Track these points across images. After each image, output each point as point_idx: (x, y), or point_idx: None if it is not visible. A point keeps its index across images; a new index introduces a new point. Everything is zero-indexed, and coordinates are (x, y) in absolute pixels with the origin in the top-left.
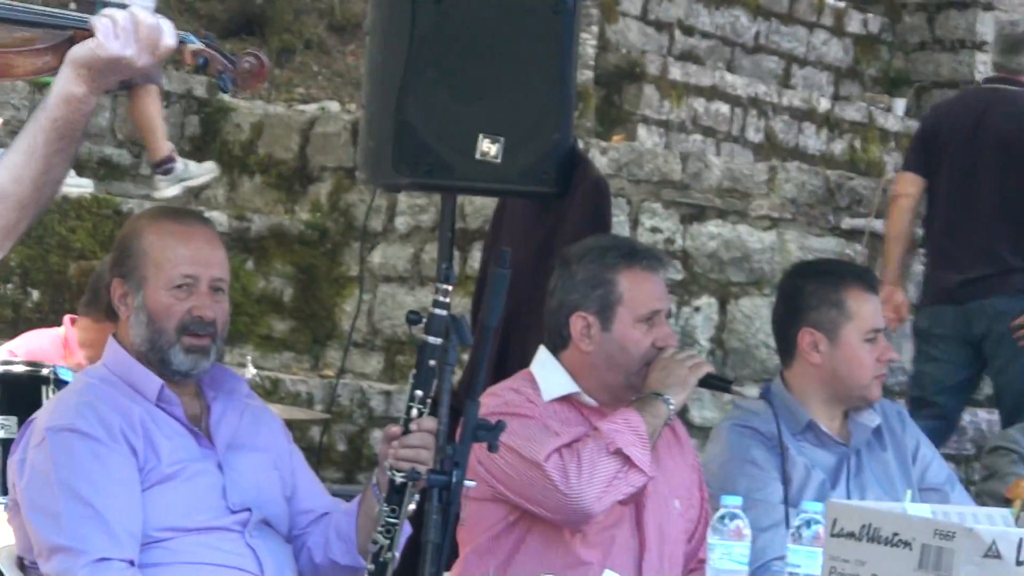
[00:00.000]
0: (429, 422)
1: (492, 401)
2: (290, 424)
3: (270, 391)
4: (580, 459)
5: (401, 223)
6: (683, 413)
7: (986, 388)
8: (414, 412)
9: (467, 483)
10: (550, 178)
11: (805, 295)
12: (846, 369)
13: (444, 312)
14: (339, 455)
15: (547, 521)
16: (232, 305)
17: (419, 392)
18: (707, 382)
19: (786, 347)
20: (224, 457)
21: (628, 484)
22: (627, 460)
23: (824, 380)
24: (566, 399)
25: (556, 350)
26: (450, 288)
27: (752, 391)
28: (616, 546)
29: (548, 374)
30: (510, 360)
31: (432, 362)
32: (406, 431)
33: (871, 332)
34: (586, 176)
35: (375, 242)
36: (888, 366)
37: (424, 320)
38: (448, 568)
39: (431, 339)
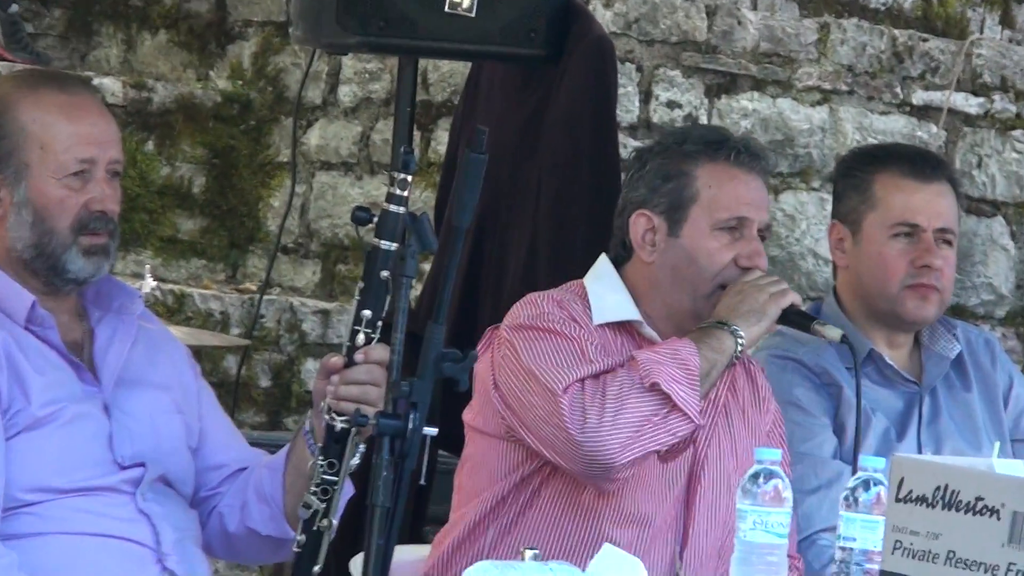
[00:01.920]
0: (379, 351)
1: (525, 311)
2: (198, 353)
3: (173, 309)
4: (605, 393)
5: (346, 94)
6: None
7: None
8: (360, 338)
9: (427, 430)
10: (538, 37)
11: (838, 182)
12: (868, 272)
13: (400, 209)
14: (262, 393)
15: (566, 476)
16: (127, 198)
17: (367, 312)
18: (787, 316)
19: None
20: (112, 396)
21: (666, 431)
22: (666, 399)
23: (854, 288)
24: (622, 327)
25: (618, 263)
26: (409, 178)
27: (835, 332)
28: (652, 530)
29: (604, 291)
30: (485, 271)
31: (384, 273)
32: (349, 363)
33: (901, 226)
34: (584, 35)
35: (312, 118)
36: (933, 275)
37: (374, 219)
38: (410, 537)
39: (383, 244)
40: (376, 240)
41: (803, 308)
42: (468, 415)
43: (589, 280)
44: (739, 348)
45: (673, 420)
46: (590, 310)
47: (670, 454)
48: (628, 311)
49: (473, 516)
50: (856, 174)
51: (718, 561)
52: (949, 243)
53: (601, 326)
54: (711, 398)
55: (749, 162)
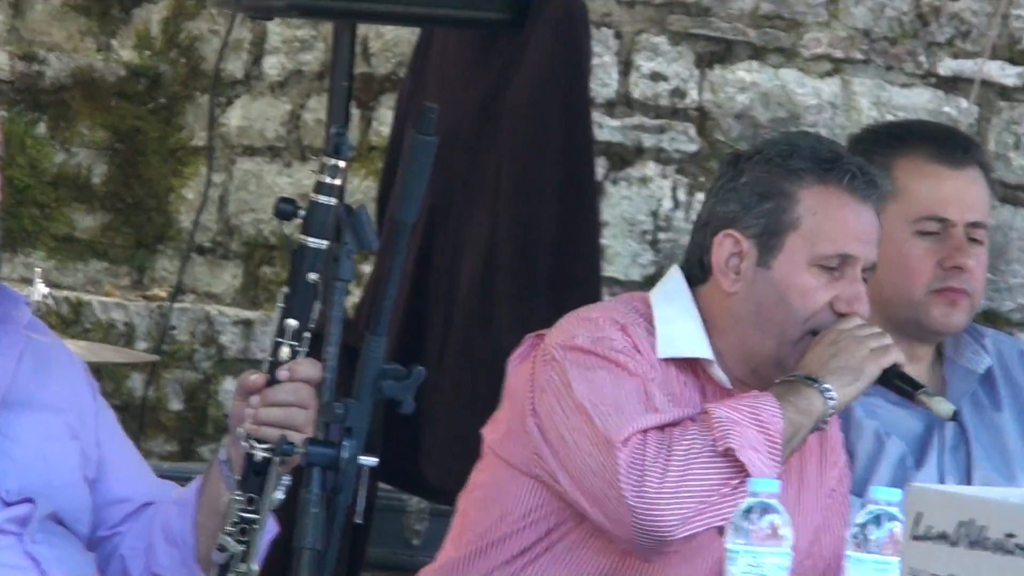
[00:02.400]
0: (307, 368)
1: (583, 330)
2: (98, 370)
3: (69, 320)
4: (671, 452)
5: (272, 67)
6: None
7: None
8: (284, 352)
9: (365, 460)
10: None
11: None
12: (886, 273)
13: (332, 200)
14: (172, 417)
15: (594, 531)
16: (14, 190)
17: (292, 322)
18: (888, 378)
19: None
20: None
21: (735, 505)
22: (740, 469)
23: (869, 292)
24: (688, 362)
25: (691, 282)
26: (342, 164)
27: (946, 408)
28: None
29: (673, 315)
30: (435, 275)
31: (313, 276)
32: (272, 381)
33: (928, 220)
34: None
35: (232, 95)
36: (964, 278)
37: (301, 212)
38: None
39: (311, 241)
40: (303, 237)
41: (904, 369)
42: (490, 433)
43: (657, 298)
44: (829, 411)
45: (743, 493)
46: (654, 337)
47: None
48: (700, 348)
49: (469, 551)
50: (872, 158)
51: None
52: (980, 240)
53: (666, 360)
54: None
55: (864, 189)
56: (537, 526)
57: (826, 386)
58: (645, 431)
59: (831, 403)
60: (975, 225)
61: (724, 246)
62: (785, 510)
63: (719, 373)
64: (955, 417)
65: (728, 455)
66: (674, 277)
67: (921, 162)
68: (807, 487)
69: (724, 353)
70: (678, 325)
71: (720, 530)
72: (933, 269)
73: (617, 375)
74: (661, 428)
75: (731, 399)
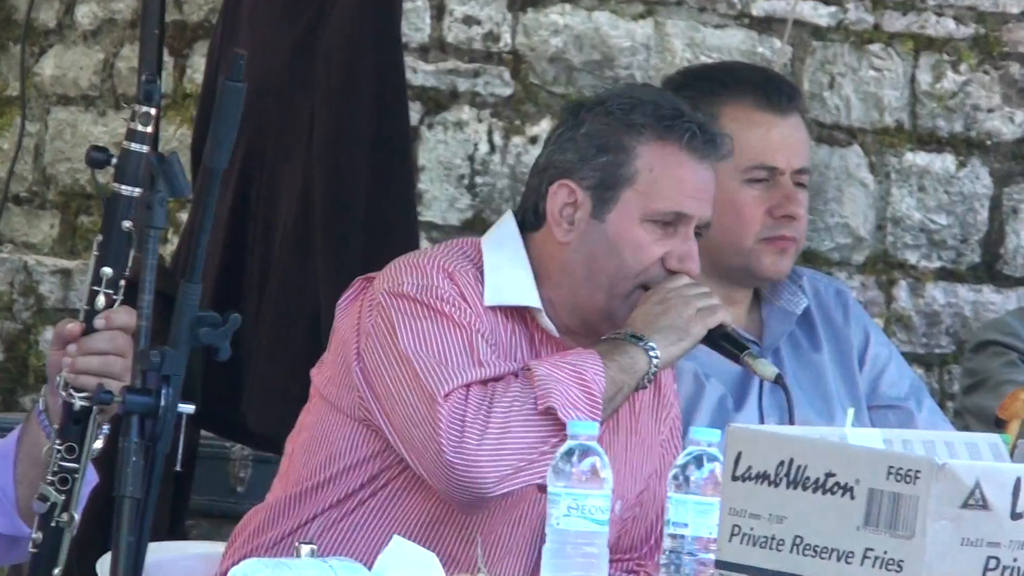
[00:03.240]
0: (123, 316)
1: (410, 277)
2: None
3: None
4: (491, 409)
5: (85, 15)
6: None
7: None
8: (100, 301)
9: (183, 407)
10: None
11: None
12: (718, 220)
13: (144, 148)
14: None
15: (419, 480)
16: None
17: (107, 270)
18: (713, 338)
19: None
20: None
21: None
22: (560, 428)
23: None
24: (516, 310)
25: (524, 228)
26: (152, 112)
27: (769, 370)
28: (502, 548)
29: (502, 262)
30: (252, 222)
31: (127, 224)
32: (89, 330)
33: (758, 169)
34: None
35: (45, 45)
36: (794, 227)
37: (113, 160)
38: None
39: (124, 189)
40: (116, 185)
41: (731, 330)
42: (317, 375)
43: (488, 244)
44: (652, 370)
45: None
46: (482, 285)
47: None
48: (528, 296)
49: (296, 491)
50: (697, 104)
51: None
52: (804, 185)
53: (493, 307)
54: None
55: (703, 148)
56: (363, 470)
57: (651, 344)
58: (468, 386)
59: (655, 361)
60: (800, 171)
61: (559, 196)
62: (616, 457)
63: (547, 322)
64: (779, 380)
65: (549, 413)
66: (507, 222)
67: (750, 110)
68: (640, 436)
69: (554, 303)
70: (507, 273)
71: (541, 487)
72: (763, 217)
73: (443, 326)
74: (484, 383)
75: (555, 356)
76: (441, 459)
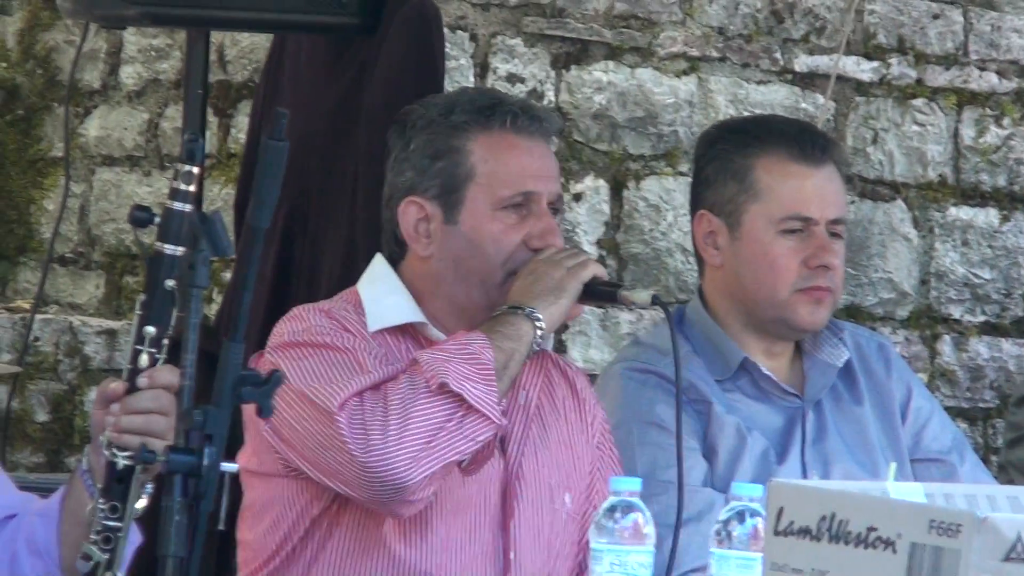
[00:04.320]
0: (166, 374)
1: (289, 326)
2: None
3: None
4: (387, 404)
5: (129, 76)
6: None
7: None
8: (143, 359)
9: (226, 467)
10: (350, 4)
11: (705, 162)
12: (751, 274)
13: (187, 207)
14: (38, 428)
15: (361, 509)
16: None
17: (150, 329)
18: (591, 290)
19: (694, 244)
20: None
21: (464, 437)
22: (459, 401)
23: (731, 291)
24: (405, 331)
25: (395, 262)
26: (195, 170)
27: (643, 295)
28: (465, 559)
29: (380, 295)
30: (296, 280)
31: (170, 283)
32: (132, 388)
33: (792, 220)
34: (405, 0)
35: (90, 105)
36: (829, 277)
37: (157, 219)
38: None
39: (167, 248)
40: (160, 244)
41: (608, 278)
42: (243, 459)
43: (362, 285)
44: (539, 333)
45: (470, 424)
46: (365, 317)
47: (473, 465)
48: (408, 313)
49: (267, 568)
50: (731, 157)
51: None
52: (840, 235)
53: (380, 332)
54: (519, 402)
55: (529, 126)
56: (306, 516)
57: (530, 309)
58: (360, 393)
59: (539, 323)
60: (835, 222)
61: (409, 214)
62: (553, 449)
63: (435, 332)
64: (656, 300)
65: (444, 390)
66: (376, 263)
67: (783, 161)
68: (571, 428)
69: (438, 316)
70: (385, 300)
71: (461, 468)
72: (798, 268)
73: (324, 354)
74: (375, 387)
75: (438, 343)
76: (355, 465)
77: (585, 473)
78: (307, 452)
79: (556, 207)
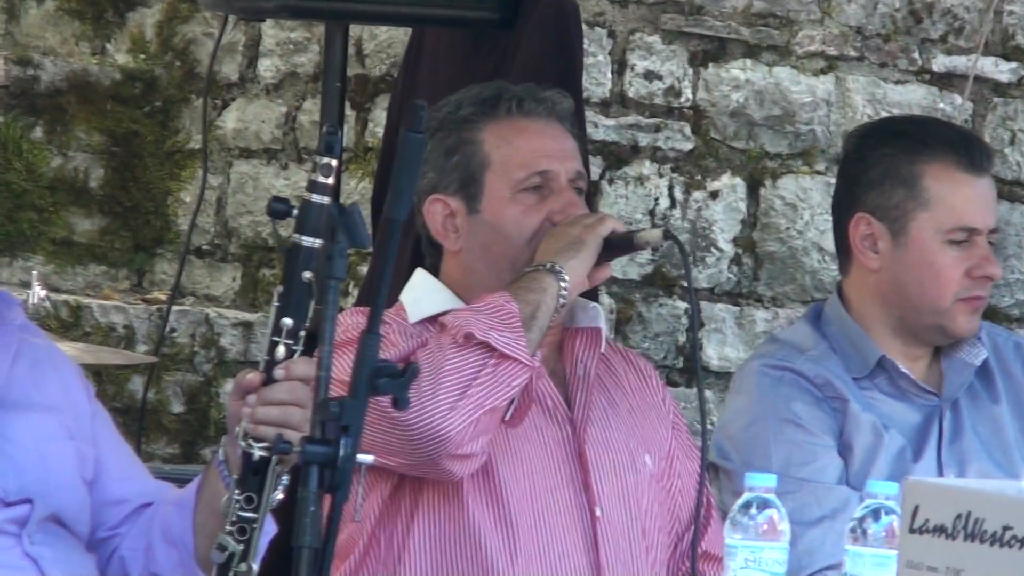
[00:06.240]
0: (303, 366)
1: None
2: (99, 373)
3: (68, 324)
4: (419, 364)
5: (267, 69)
6: (677, 349)
7: None
8: (280, 351)
9: (362, 458)
10: None
11: (866, 165)
12: (915, 281)
13: (325, 199)
14: (174, 420)
15: (437, 489)
16: (11, 195)
17: (287, 321)
18: (611, 245)
19: (841, 244)
20: None
21: (499, 383)
22: (489, 350)
23: (884, 295)
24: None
25: (434, 268)
26: (333, 163)
27: (655, 232)
28: (551, 514)
29: (420, 295)
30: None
31: (307, 275)
32: (268, 380)
33: (960, 231)
34: None
35: (228, 98)
36: (988, 286)
37: (294, 211)
38: None
39: (305, 240)
40: (297, 236)
41: (624, 230)
42: None
43: (404, 294)
44: (563, 285)
45: (504, 370)
46: (406, 315)
47: (516, 417)
48: (448, 302)
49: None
50: (898, 162)
51: (644, 550)
52: (994, 243)
53: (420, 323)
54: (578, 374)
55: (536, 109)
56: (388, 491)
57: (551, 263)
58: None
59: (562, 275)
60: (993, 230)
61: (435, 212)
62: (625, 419)
63: None
64: (667, 235)
65: (471, 341)
66: (417, 274)
67: (952, 170)
68: (638, 399)
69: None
70: (425, 298)
71: (505, 420)
72: (961, 279)
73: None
74: (407, 356)
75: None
76: (397, 427)
77: (664, 441)
78: (367, 435)
79: (578, 185)
